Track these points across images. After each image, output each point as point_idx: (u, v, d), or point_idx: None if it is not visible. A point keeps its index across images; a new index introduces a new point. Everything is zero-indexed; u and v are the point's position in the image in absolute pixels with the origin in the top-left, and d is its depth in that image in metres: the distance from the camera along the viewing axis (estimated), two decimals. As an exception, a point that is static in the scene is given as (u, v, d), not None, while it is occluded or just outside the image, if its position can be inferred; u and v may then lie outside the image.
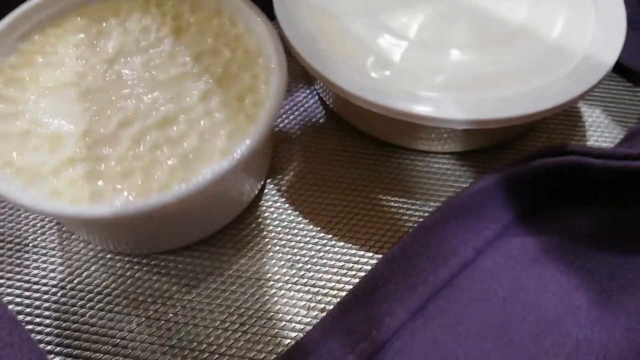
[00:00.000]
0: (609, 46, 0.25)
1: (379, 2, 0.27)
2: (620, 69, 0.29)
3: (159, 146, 0.21)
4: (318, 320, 0.22)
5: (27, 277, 0.24)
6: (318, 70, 0.24)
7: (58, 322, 0.23)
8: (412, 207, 0.27)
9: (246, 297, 0.24)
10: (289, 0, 0.27)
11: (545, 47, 0.25)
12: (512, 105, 0.23)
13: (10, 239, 0.25)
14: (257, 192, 0.26)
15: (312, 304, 0.24)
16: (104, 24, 0.25)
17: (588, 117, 0.30)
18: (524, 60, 0.25)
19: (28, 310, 0.23)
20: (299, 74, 0.32)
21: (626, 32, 0.27)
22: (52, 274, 0.24)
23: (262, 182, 0.27)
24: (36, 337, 0.22)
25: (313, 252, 0.25)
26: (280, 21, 0.26)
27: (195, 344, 0.22)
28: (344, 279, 0.24)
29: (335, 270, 0.25)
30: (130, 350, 0.22)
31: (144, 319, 0.23)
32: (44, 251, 0.25)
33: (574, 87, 0.24)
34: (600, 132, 0.29)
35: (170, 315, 0.23)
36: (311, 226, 0.26)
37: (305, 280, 0.24)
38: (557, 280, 0.23)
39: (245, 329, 0.23)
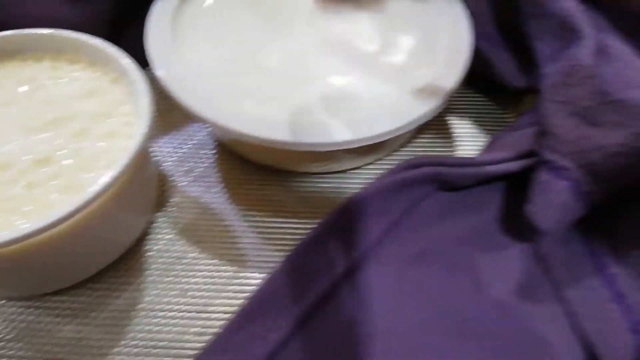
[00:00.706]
0: (452, 69, 0.28)
1: (245, 40, 0.29)
2: (483, 81, 0.32)
3: (37, 184, 0.22)
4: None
5: None
6: (189, 107, 0.26)
7: (-50, 373, 0.23)
8: (300, 227, 0.28)
9: (138, 327, 0.25)
10: (162, 46, 0.28)
11: (397, 72, 0.28)
12: (369, 125, 0.26)
13: None
14: (144, 225, 0.27)
15: (203, 330, 0.25)
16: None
17: (458, 129, 0.32)
18: (379, 84, 0.27)
19: None
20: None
21: (483, 48, 0.30)
22: (-58, 327, 0.25)
23: (151, 215, 0.28)
24: None
25: (204, 280, 0.26)
26: (154, 66, 0.27)
27: (89, 379, 0.23)
28: (234, 302, 0.26)
29: (224, 294, 0.26)
30: (24, 393, 0.23)
31: (38, 360, 0.24)
32: None
33: (422, 106, 0.26)
34: (469, 142, 0.32)
35: (62, 355, 0.24)
36: (202, 254, 0.27)
37: (196, 307, 0.25)
38: (430, 284, 0.25)
39: (138, 359, 0.24)
